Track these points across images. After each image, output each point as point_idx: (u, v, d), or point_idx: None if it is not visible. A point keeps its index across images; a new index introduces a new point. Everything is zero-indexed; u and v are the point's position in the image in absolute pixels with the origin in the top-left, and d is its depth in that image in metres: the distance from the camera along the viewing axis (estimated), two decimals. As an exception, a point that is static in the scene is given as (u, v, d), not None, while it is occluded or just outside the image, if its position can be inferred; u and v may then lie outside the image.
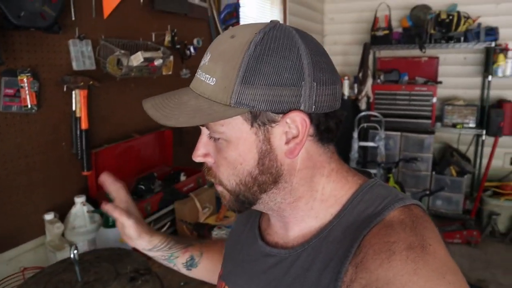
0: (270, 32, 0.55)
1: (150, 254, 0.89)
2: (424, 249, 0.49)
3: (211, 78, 0.56)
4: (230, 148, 0.58)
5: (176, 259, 0.90)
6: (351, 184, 0.64)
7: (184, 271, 0.92)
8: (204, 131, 0.62)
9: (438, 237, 0.53)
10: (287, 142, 0.57)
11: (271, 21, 0.57)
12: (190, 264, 0.91)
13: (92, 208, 1.48)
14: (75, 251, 0.95)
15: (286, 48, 0.54)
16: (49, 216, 1.38)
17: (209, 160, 0.62)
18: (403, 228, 0.53)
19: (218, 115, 0.55)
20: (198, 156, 0.63)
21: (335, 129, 0.61)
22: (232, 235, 0.82)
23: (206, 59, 0.58)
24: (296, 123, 0.56)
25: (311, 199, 0.63)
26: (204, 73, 0.57)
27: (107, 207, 0.83)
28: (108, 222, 1.40)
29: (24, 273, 1.24)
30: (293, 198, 0.62)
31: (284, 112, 0.56)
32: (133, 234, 0.84)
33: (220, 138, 0.59)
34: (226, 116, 0.55)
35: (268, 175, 0.59)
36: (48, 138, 1.43)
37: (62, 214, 1.46)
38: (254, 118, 0.56)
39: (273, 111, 0.55)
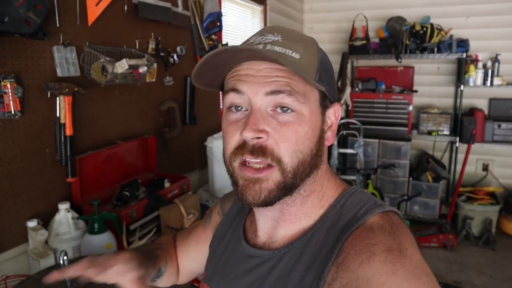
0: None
1: None
2: (401, 252, 0.53)
3: (294, 53, 0.59)
4: (305, 121, 0.59)
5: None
6: (338, 187, 0.68)
7: (149, 284, 0.83)
8: (258, 103, 0.57)
9: (414, 242, 0.57)
10: (326, 130, 0.64)
11: None
12: (157, 276, 0.85)
13: (76, 215, 1.47)
14: (65, 257, 0.95)
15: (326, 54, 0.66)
16: (32, 223, 1.36)
17: (264, 137, 0.57)
18: (383, 232, 0.56)
19: (312, 81, 0.59)
20: (254, 130, 0.56)
21: None
22: (215, 237, 0.82)
23: (275, 37, 0.60)
24: (334, 114, 0.65)
25: (317, 196, 0.66)
26: (281, 47, 0.58)
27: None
28: (93, 229, 1.39)
29: (6, 282, 1.22)
30: (309, 192, 0.64)
31: (331, 102, 0.65)
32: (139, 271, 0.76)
33: (294, 110, 0.58)
34: (317, 86, 0.59)
35: (318, 157, 0.63)
36: (32, 144, 1.42)
37: (46, 221, 1.44)
38: (323, 99, 0.62)
39: (331, 99, 0.64)
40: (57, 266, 1.00)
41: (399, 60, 3.80)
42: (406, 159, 3.85)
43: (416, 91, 4.06)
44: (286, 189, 0.59)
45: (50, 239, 1.41)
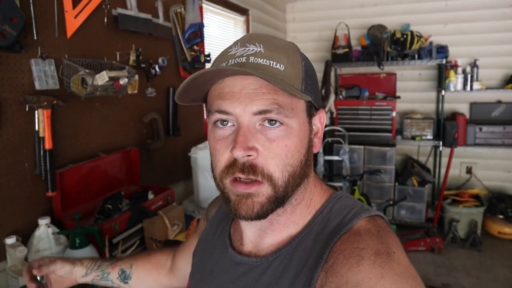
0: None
1: (88, 279, 0.97)
2: (389, 256, 0.53)
3: (278, 64, 0.58)
4: (293, 134, 0.58)
5: (109, 276, 0.97)
6: (324, 193, 0.68)
7: (122, 285, 0.98)
8: (245, 122, 0.57)
9: (400, 246, 0.58)
10: (313, 138, 0.64)
11: None
12: (124, 277, 0.97)
13: (57, 230, 1.44)
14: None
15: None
16: (10, 240, 1.33)
17: (254, 154, 0.57)
18: (370, 236, 0.57)
19: (299, 94, 0.58)
20: (245, 149, 0.56)
21: None
22: (200, 245, 0.82)
23: (258, 48, 0.58)
24: (319, 120, 0.65)
25: (305, 204, 0.66)
26: (265, 59, 0.57)
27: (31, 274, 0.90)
28: (74, 243, 1.36)
29: (-16, 301, 1.18)
30: (300, 199, 0.65)
31: (316, 109, 0.65)
32: (68, 267, 0.94)
33: (283, 123, 0.57)
34: (304, 97, 0.59)
35: (308, 166, 0.63)
36: (10, 159, 1.39)
37: (25, 237, 1.41)
38: (309, 108, 0.62)
39: (316, 106, 0.64)
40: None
41: (381, 67, 3.86)
42: (391, 164, 3.89)
43: (399, 97, 4.12)
44: (278, 201, 0.60)
45: (30, 255, 1.38)
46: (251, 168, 0.57)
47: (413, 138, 3.96)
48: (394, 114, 3.96)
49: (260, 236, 0.67)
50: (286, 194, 0.60)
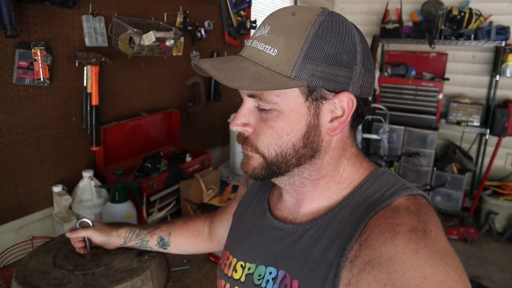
0: (330, 16, 0.58)
1: (127, 246, 1.00)
2: (426, 233, 0.52)
3: (272, 49, 0.58)
4: (281, 118, 0.60)
5: (148, 243, 1.00)
6: (364, 169, 0.67)
7: (162, 250, 1.02)
8: (246, 101, 0.63)
9: (440, 226, 0.56)
10: (331, 121, 0.61)
11: (323, 8, 0.60)
12: (163, 244, 1.00)
13: (99, 183, 1.51)
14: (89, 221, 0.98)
15: (344, 32, 0.58)
16: (57, 188, 1.41)
17: (248, 130, 0.63)
18: (408, 213, 0.56)
19: (280, 84, 0.57)
20: (237, 125, 0.63)
21: (365, 115, 0.66)
22: (240, 207, 0.85)
23: (264, 30, 0.59)
24: (343, 104, 0.61)
25: (331, 179, 0.66)
26: (262, 43, 0.58)
27: (69, 235, 0.97)
28: (114, 198, 1.42)
29: (32, 242, 1.27)
30: (317, 176, 0.65)
31: (336, 92, 0.60)
32: (103, 238, 0.97)
33: (271, 108, 0.60)
34: (287, 87, 0.57)
35: (309, 149, 0.62)
36: (59, 112, 1.45)
37: (70, 187, 1.49)
38: (310, 92, 0.59)
39: (328, 89, 0.59)
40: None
41: (433, 46, 3.65)
42: (431, 148, 3.75)
43: (447, 79, 3.92)
44: (270, 170, 0.63)
45: (73, 204, 1.46)
46: (243, 141, 0.65)
47: (458, 123, 3.78)
48: (440, 96, 3.78)
49: (295, 204, 0.70)
50: (279, 168, 0.63)
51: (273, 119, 0.60)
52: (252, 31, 2.53)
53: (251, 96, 0.62)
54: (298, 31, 0.57)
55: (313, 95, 0.59)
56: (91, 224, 0.99)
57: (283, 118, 0.60)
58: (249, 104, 0.63)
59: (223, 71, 0.58)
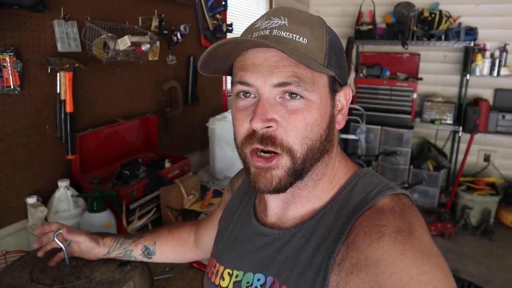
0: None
1: (110, 257, 0.97)
2: (411, 234, 0.53)
3: (301, 38, 0.57)
4: (313, 108, 0.58)
5: (132, 253, 0.97)
6: (348, 169, 0.68)
7: (146, 260, 0.99)
8: (265, 93, 0.57)
9: (424, 225, 0.57)
10: (337, 113, 0.63)
11: None
12: (148, 253, 0.97)
13: (76, 193, 1.46)
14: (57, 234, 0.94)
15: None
16: (31, 200, 1.35)
17: (273, 126, 0.57)
18: (393, 214, 0.56)
19: (320, 68, 0.57)
20: (263, 121, 0.56)
21: None
22: (225, 214, 0.84)
23: (282, 21, 0.58)
24: (345, 97, 0.64)
25: (328, 178, 0.66)
26: (288, 32, 0.57)
27: (60, 237, 0.93)
28: (93, 207, 1.38)
29: (5, 257, 1.21)
30: (321, 174, 0.65)
31: (341, 85, 0.63)
32: (92, 244, 0.94)
33: (303, 96, 0.57)
34: (326, 72, 0.57)
35: (328, 142, 0.62)
36: (31, 120, 1.40)
37: (45, 198, 1.43)
38: (332, 83, 0.60)
39: (341, 82, 0.62)
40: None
41: (406, 46, 3.74)
42: (408, 147, 3.83)
43: (421, 79, 4.02)
44: (296, 174, 0.60)
45: (49, 216, 1.41)
46: (270, 140, 0.57)
47: (432, 121, 3.88)
48: (415, 96, 3.87)
49: (284, 209, 0.68)
50: (305, 167, 0.60)
51: (306, 109, 0.57)
52: (229, 34, 2.52)
53: (281, 85, 0.56)
54: (317, 24, 0.59)
55: (334, 86, 0.61)
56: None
57: (315, 108, 0.58)
58: (271, 95, 0.57)
59: (275, 44, 0.53)
